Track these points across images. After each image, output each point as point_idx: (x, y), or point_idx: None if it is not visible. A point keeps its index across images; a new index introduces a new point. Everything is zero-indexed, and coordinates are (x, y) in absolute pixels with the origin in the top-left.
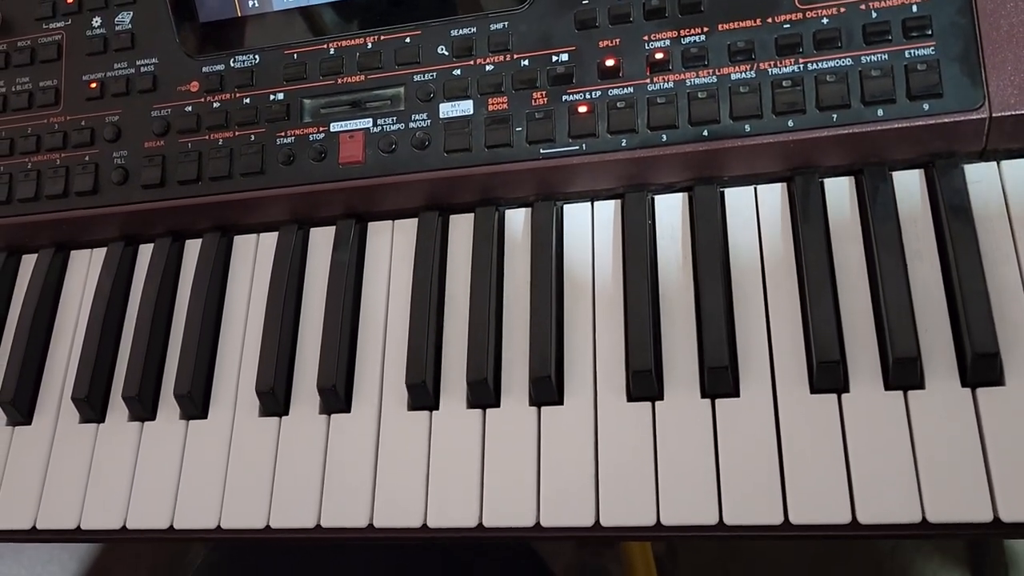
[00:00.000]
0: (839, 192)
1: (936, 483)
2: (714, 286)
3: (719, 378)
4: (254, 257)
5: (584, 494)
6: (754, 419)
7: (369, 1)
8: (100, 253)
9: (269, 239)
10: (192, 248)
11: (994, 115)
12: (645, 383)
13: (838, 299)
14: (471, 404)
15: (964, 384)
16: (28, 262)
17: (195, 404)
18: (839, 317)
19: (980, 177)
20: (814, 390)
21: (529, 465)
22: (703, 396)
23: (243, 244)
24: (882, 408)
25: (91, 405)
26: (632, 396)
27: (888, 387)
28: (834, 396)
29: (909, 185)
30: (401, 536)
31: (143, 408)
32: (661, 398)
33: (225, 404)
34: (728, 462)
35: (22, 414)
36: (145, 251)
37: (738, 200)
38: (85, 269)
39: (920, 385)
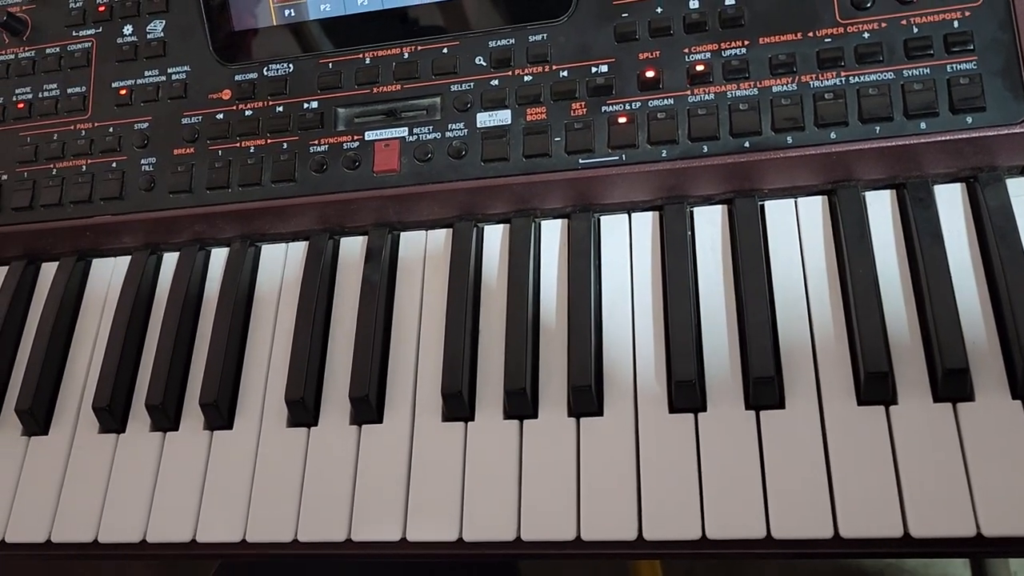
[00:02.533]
0: (881, 205)
1: (989, 496)
2: (757, 297)
3: (764, 389)
4: (283, 265)
5: (626, 507)
6: (801, 431)
7: (406, 12)
8: (123, 262)
9: (298, 248)
10: (218, 257)
11: None
12: (688, 394)
13: (883, 311)
14: (508, 415)
15: (1015, 396)
16: (47, 271)
17: (221, 414)
18: (884, 328)
19: (1023, 191)
20: (861, 402)
21: (568, 477)
22: (747, 408)
23: (271, 253)
24: (931, 420)
25: (112, 414)
26: (674, 407)
27: (937, 399)
28: (882, 408)
29: (951, 199)
30: (435, 552)
31: (166, 417)
32: (704, 409)
33: (251, 414)
34: (775, 475)
35: (39, 424)
36: (169, 260)
37: (779, 212)
38: (107, 277)
39: (970, 397)
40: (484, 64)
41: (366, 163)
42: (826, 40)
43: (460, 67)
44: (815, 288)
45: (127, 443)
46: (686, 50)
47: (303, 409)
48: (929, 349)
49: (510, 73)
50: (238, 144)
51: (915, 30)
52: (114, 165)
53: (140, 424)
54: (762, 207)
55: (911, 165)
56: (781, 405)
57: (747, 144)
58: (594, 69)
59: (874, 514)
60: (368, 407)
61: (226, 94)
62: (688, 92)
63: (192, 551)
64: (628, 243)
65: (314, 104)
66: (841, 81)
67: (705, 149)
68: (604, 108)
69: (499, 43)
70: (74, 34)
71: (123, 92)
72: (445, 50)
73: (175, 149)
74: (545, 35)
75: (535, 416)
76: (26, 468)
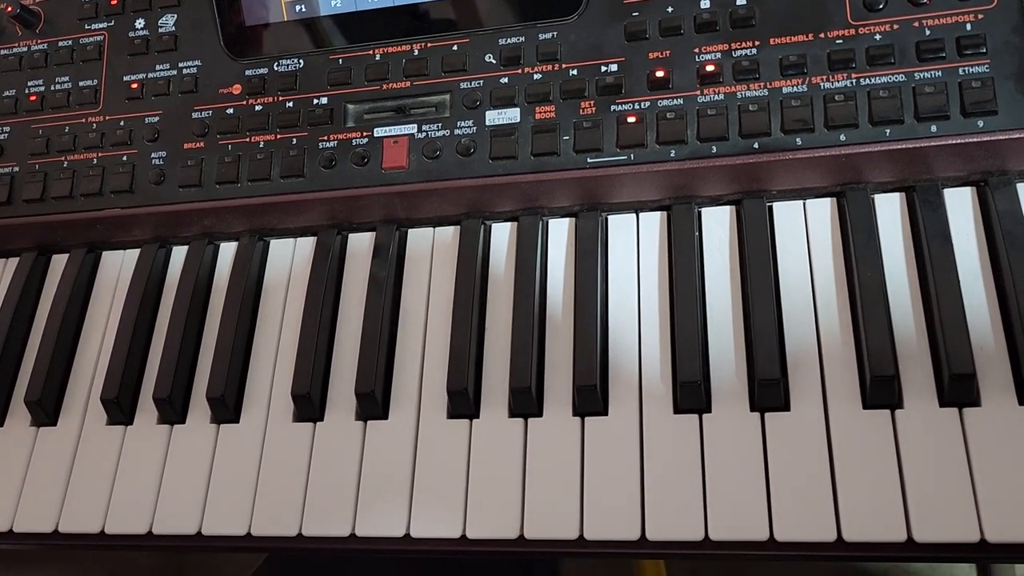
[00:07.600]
0: (890, 208)
1: (994, 502)
2: (765, 299)
3: (770, 391)
4: (291, 260)
5: (630, 507)
6: (805, 434)
7: (416, 8)
8: (132, 254)
9: (306, 243)
10: (227, 251)
11: None
12: (693, 395)
13: (890, 314)
14: (513, 413)
15: (1022, 402)
16: (57, 262)
17: (227, 408)
18: (891, 332)
19: None
20: (867, 405)
21: (572, 476)
22: (752, 410)
23: (279, 248)
24: (937, 425)
25: (120, 406)
26: (679, 408)
27: (943, 404)
28: (887, 412)
29: (961, 202)
30: (439, 548)
31: (173, 411)
32: (709, 411)
33: (258, 408)
34: (778, 477)
35: (48, 415)
36: (178, 253)
37: (787, 214)
38: (117, 270)
39: (976, 402)
40: (494, 62)
41: (375, 159)
42: (837, 41)
43: (470, 64)
44: (822, 290)
45: (135, 435)
46: (696, 50)
47: (309, 404)
48: (936, 353)
49: (519, 71)
50: (248, 139)
51: (927, 32)
52: (125, 158)
53: (148, 416)
54: (770, 208)
55: (921, 168)
56: (786, 407)
57: (756, 145)
58: (604, 68)
59: (878, 518)
60: (374, 403)
61: (236, 89)
62: (698, 92)
63: (197, 544)
64: (636, 243)
65: (324, 100)
66: (852, 83)
67: (714, 149)
68: (613, 107)
69: (509, 41)
70: (86, 27)
71: (134, 86)
72: (455, 47)
73: (185, 143)
74: (555, 33)
75: (540, 415)
76: (34, 458)
